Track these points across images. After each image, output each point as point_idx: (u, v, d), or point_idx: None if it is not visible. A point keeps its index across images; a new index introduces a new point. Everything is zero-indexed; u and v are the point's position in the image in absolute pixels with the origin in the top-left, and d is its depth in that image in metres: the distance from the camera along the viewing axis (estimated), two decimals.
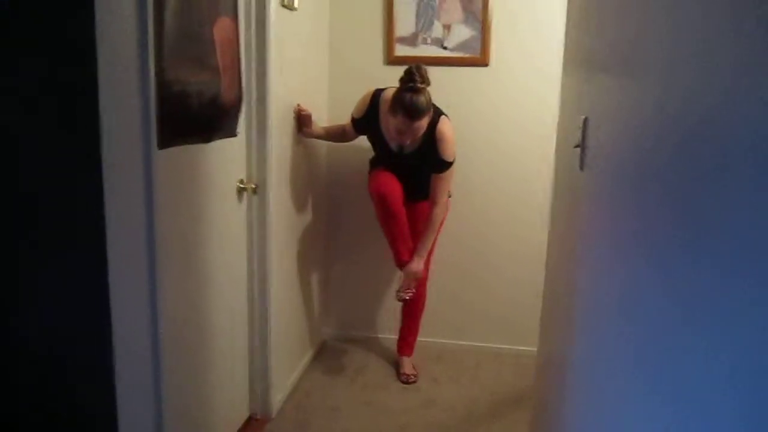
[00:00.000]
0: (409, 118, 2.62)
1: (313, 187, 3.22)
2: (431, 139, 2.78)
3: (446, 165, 2.85)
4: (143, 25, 1.52)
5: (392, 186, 2.86)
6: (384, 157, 2.95)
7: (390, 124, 2.73)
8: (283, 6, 2.54)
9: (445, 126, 2.79)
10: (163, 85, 1.72)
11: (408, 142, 2.74)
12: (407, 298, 2.99)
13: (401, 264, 2.94)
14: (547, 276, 2.08)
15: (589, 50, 1.49)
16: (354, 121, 2.95)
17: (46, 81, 1.38)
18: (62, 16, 1.34)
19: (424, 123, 2.68)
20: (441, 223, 3.04)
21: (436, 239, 3.06)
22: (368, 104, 2.86)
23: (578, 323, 1.39)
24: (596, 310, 1.22)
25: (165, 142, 1.75)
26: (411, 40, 3.24)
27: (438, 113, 2.80)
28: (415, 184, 2.94)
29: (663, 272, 0.81)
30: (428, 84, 2.65)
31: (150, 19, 1.54)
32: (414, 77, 2.62)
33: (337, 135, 3.09)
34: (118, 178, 1.45)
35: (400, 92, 2.65)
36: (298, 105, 2.84)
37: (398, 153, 2.88)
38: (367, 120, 2.89)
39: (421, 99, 2.62)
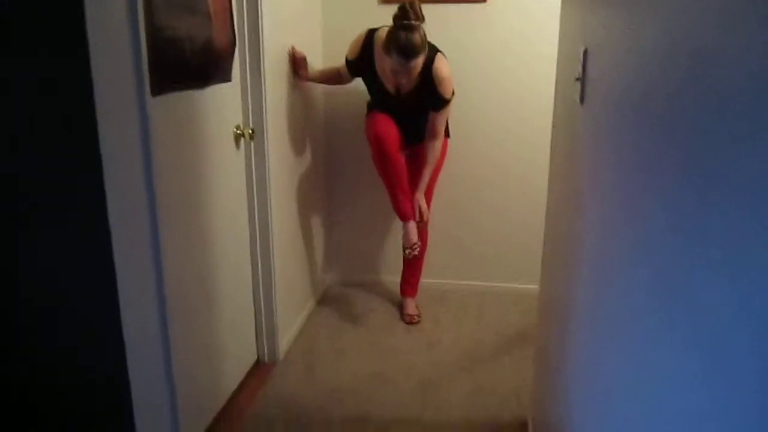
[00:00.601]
0: (404, 58, 2.57)
1: (311, 132, 3.18)
2: (428, 78, 2.74)
3: (445, 102, 2.83)
4: None
5: (389, 129, 2.83)
6: (381, 100, 2.91)
7: (385, 64, 2.68)
8: None
9: (441, 63, 2.74)
10: (153, 31, 1.68)
11: (404, 81, 2.70)
12: (416, 253, 2.99)
13: (403, 215, 2.92)
14: (548, 215, 2.07)
15: None
16: (348, 63, 2.90)
17: (32, 33, 1.34)
18: None
19: (419, 62, 2.63)
20: (440, 164, 3.03)
21: (435, 179, 3.05)
22: (361, 45, 2.80)
23: (581, 261, 1.39)
24: (600, 248, 1.21)
25: (158, 88, 1.72)
26: None
27: (434, 51, 2.75)
28: (413, 126, 2.91)
29: (668, 207, 0.80)
30: (422, 20, 2.59)
31: None
32: (407, 14, 2.56)
33: (333, 78, 3.04)
34: (112, 127, 1.43)
35: (393, 31, 2.59)
36: (292, 47, 2.78)
37: (395, 94, 2.83)
38: (361, 61, 2.84)
39: (416, 37, 2.56)
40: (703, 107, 0.69)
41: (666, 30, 0.84)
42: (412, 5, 2.58)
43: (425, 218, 3.00)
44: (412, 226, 2.93)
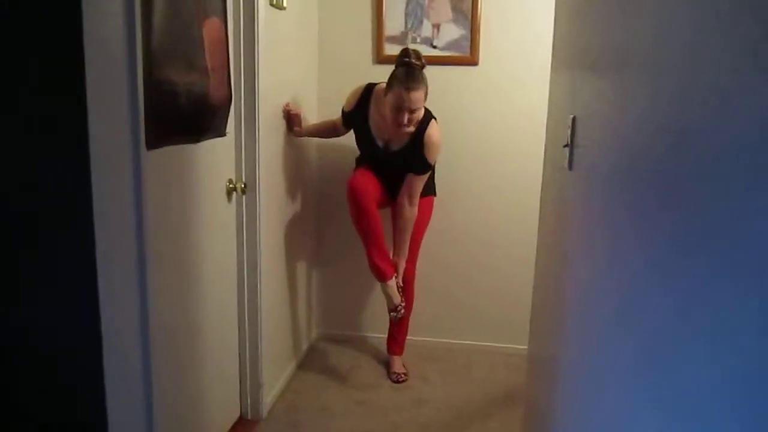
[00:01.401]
0: (405, 89, 2.62)
1: (303, 187, 3.21)
2: (419, 140, 2.79)
3: (428, 167, 2.89)
4: (131, 25, 1.51)
5: (367, 182, 2.86)
6: (369, 155, 2.96)
7: (386, 107, 2.71)
8: (272, 5, 2.54)
9: (434, 130, 2.81)
10: (151, 85, 1.71)
11: (405, 122, 2.68)
12: (400, 315, 2.99)
13: (379, 274, 2.90)
14: (537, 275, 2.08)
15: (578, 49, 1.50)
16: (344, 114, 2.96)
17: (31, 83, 1.37)
18: (49, 16, 1.33)
19: (420, 96, 2.66)
20: (426, 221, 3.05)
21: (421, 236, 3.07)
22: (359, 96, 2.87)
23: (569, 322, 1.40)
24: (587, 310, 1.22)
25: (154, 142, 1.74)
26: (400, 39, 3.24)
27: (429, 116, 2.81)
28: (397, 184, 2.95)
29: (656, 271, 0.81)
30: (423, 65, 2.68)
31: (138, 19, 1.53)
32: (409, 53, 2.67)
33: (327, 130, 3.09)
34: (106, 179, 1.44)
35: (395, 70, 2.69)
36: (287, 105, 2.83)
37: (383, 150, 2.87)
38: (357, 113, 2.89)
39: (416, 72, 2.65)
40: (686, 177, 0.71)
41: (649, 104, 0.87)
42: (414, 50, 2.70)
43: (401, 284, 3.01)
44: (392, 285, 2.93)
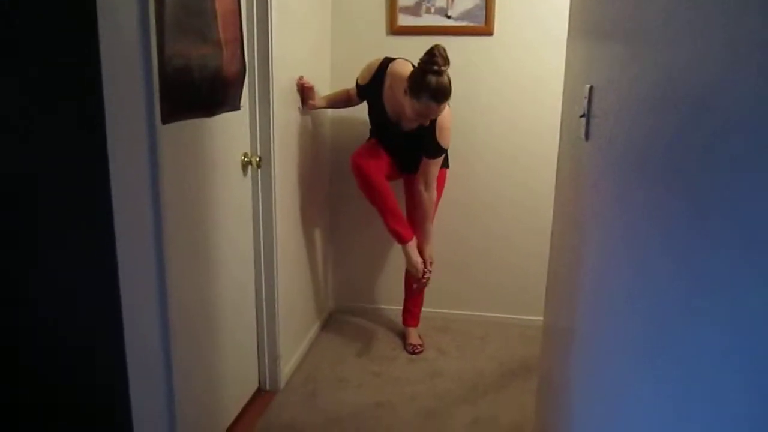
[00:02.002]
0: (435, 102, 2.60)
1: (317, 160, 3.21)
2: (431, 125, 2.78)
3: (441, 151, 2.86)
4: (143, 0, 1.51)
5: (372, 155, 2.87)
6: (381, 129, 2.94)
7: (407, 105, 2.68)
8: None
9: (445, 113, 2.79)
10: (164, 59, 1.71)
11: (427, 123, 2.72)
12: (428, 277, 3.00)
13: (398, 237, 2.92)
14: (552, 246, 2.08)
15: (595, 18, 1.47)
16: (359, 87, 2.95)
17: (46, 59, 1.37)
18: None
19: (446, 105, 2.68)
20: (440, 193, 3.04)
21: (435, 209, 3.06)
22: (374, 72, 2.85)
23: (582, 295, 1.39)
24: (602, 281, 1.22)
25: (168, 117, 1.74)
26: (414, 10, 3.20)
27: None
28: (407, 160, 2.95)
29: (670, 245, 0.80)
30: (448, 65, 2.62)
31: None
32: (436, 59, 2.58)
33: (342, 101, 3.08)
34: (122, 155, 1.44)
35: (421, 74, 2.60)
36: (301, 78, 2.82)
37: (395, 127, 2.86)
38: (371, 87, 2.87)
39: (445, 80, 2.60)
40: (700, 147, 0.70)
41: (666, 72, 0.86)
42: (439, 50, 2.60)
43: (427, 273, 3.01)
44: (413, 246, 2.94)
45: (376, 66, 2.85)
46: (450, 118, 2.81)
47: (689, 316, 0.71)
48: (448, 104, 2.79)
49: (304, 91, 2.86)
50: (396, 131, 2.88)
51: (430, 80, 2.58)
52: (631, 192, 1.02)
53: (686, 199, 0.75)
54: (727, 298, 0.61)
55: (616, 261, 1.10)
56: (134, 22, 1.49)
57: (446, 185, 3.11)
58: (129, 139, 1.48)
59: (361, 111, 3.04)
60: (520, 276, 3.43)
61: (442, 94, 2.60)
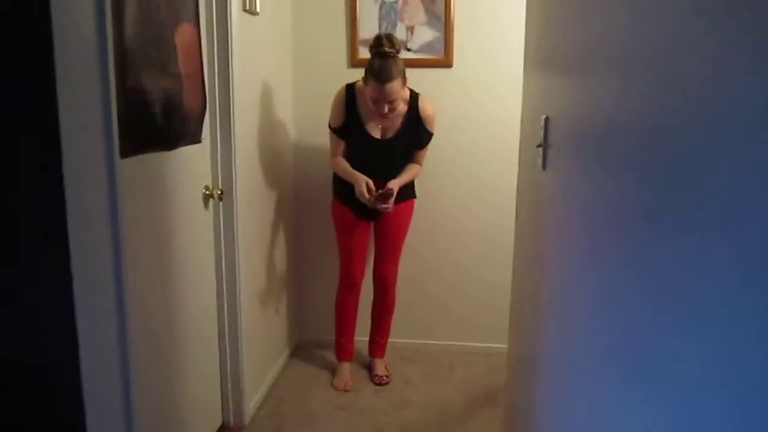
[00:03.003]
0: (379, 82, 2.62)
1: (280, 192, 3.20)
2: (414, 118, 2.83)
3: (431, 136, 2.93)
4: (102, 31, 1.50)
5: (357, 256, 3.06)
6: (365, 149, 2.88)
7: (367, 99, 2.73)
8: (245, 11, 2.53)
9: (426, 103, 2.86)
10: (124, 92, 1.70)
11: (386, 111, 2.70)
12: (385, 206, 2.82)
13: (340, 354, 3.23)
14: (515, 274, 2.10)
15: (550, 50, 1.51)
16: (336, 130, 2.88)
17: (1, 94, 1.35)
18: (16, 20, 1.31)
19: (396, 87, 2.65)
20: (407, 225, 3.07)
21: (403, 241, 3.09)
22: (344, 105, 2.83)
23: (546, 319, 1.41)
24: (564, 307, 1.24)
25: (128, 151, 1.73)
26: None
27: (415, 93, 2.86)
28: (391, 168, 2.93)
29: (631, 262, 0.82)
30: (398, 50, 2.67)
31: (109, 25, 1.52)
32: (382, 42, 2.64)
33: (343, 156, 2.96)
34: (80, 190, 1.42)
35: (369, 60, 2.68)
36: (367, 183, 2.77)
37: (381, 141, 2.87)
38: (348, 119, 2.84)
39: (389, 62, 2.63)
40: (656, 175, 0.72)
41: (620, 102, 0.89)
42: (387, 35, 2.67)
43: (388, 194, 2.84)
44: (346, 368, 3.19)
45: (343, 97, 2.84)
46: (431, 106, 2.89)
47: (654, 328, 0.73)
48: (421, 94, 2.85)
49: (371, 193, 2.78)
50: (383, 145, 2.86)
51: (374, 63, 2.65)
52: (590, 214, 1.05)
53: (644, 222, 0.77)
54: (689, 306, 0.63)
55: (580, 280, 1.12)
56: (93, 52, 1.48)
57: (412, 216, 3.13)
58: (87, 173, 1.47)
59: (322, 141, 3.05)
60: (486, 305, 3.45)
61: (384, 72, 2.61)
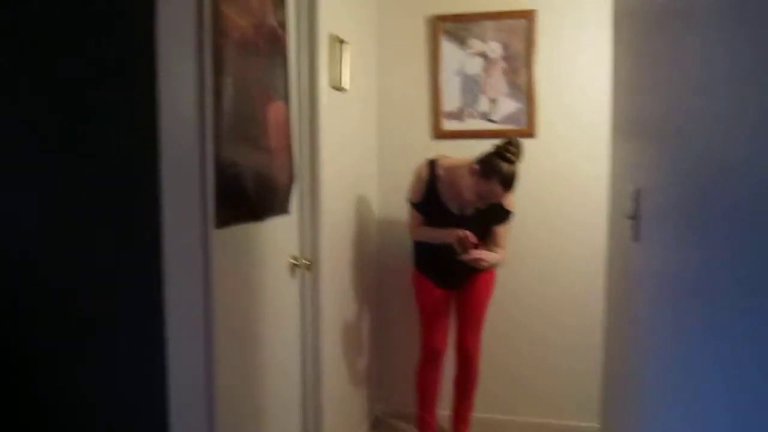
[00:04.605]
0: (502, 188, 2.65)
1: (363, 263, 3.23)
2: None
3: (509, 215, 2.89)
4: (202, 110, 1.59)
5: (443, 339, 3.04)
6: (441, 223, 2.89)
7: (470, 185, 2.71)
8: (333, 87, 2.64)
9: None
10: (219, 167, 1.79)
11: (484, 206, 2.77)
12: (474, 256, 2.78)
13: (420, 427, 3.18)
14: (607, 351, 2.02)
15: (639, 119, 1.49)
16: (416, 205, 2.91)
17: (109, 169, 1.44)
18: (127, 105, 1.41)
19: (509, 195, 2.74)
20: (488, 298, 3.02)
21: (485, 312, 3.03)
22: (426, 180, 2.86)
23: (647, 402, 1.34)
24: (665, 386, 1.17)
25: (221, 222, 1.80)
26: (457, 115, 3.30)
27: None
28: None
29: (731, 348, 0.78)
30: (521, 160, 2.69)
31: (209, 105, 1.62)
32: (512, 148, 2.66)
33: (426, 226, 2.98)
34: (177, 258, 1.49)
35: (496, 158, 2.65)
36: (466, 234, 2.76)
37: (459, 216, 2.87)
38: (429, 196, 2.87)
39: (516, 171, 2.66)
40: (760, 249, 0.69)
41: (717, 173, 0.86)
42: (515, 141, 2.68)
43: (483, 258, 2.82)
44: None
45: (425, 174, 2.87)
46: None
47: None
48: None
49: (467, 244, 2.80)
50: (460, 219, 2.87)
51: (503, 166, 2.63)
52: (687, 292, 1.00)
53: (749, 300, 0.73)
54: None
55: (678, 362, 1.07)
56: (193, 131, 1.57)
57: (494, 291, 3.08)
58: (184, 243, 1.53)
59: (407, 215, 3.07)
60: (571, 380, 3.31)
61: (510, 181, 2.65)
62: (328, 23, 2.57)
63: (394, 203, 3.36)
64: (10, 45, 1.39)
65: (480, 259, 2.76)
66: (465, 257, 2.76)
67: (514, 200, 2.88)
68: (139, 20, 1.35)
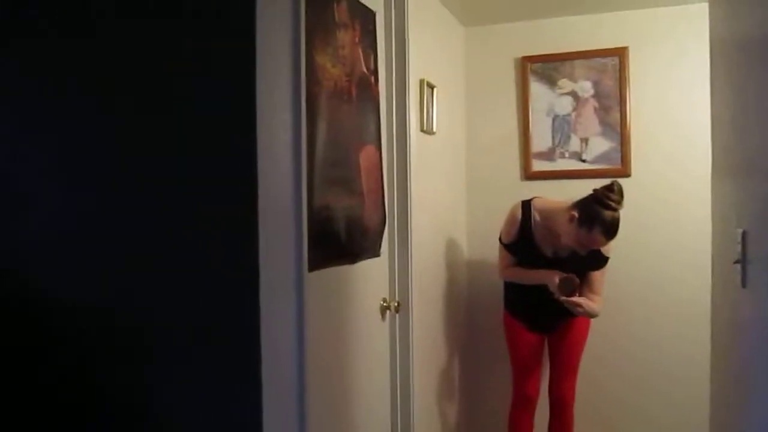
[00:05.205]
0: (605, 237, 2.57)
1: (454, 305, 3.21)
2: None
3: (605, 260, 2.79)
4: (297, 155, 1.65)
5: (536, 385, 2.95)
6: (533, 264, 2.83)
7: (568, 231, 2.63)
8: (423, 131, 2.67)
9: None
10: (312, 211, 1.84)
11: (584, 253, 2.67)
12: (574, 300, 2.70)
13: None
14: (713, 404, 1.90)
15: (743, 157, 1.43)
16: (508, 246, 2.86)
17: (209, 212, 1.51)
18: (226, 151, 1.48)
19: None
20: (583, 342, 2.93)
21: (579, 359, 2.93)
22: (519, 224, 2.80)
23: None
24: None
25: (314, 265, 1.84)
26: (548, 155, 3.27)
27: None
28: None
29: None
30: (623, 206, 2.60)
31: (303, 150, 1.67)
32: (614, 196, 2.57)
33: (518, 268, 2.93)
34: (272, 301, 1.53)
35: (598, 205, 2.56)
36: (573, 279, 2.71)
37: (552, 259, 2.80)
38: (522, 238, 2.81)
39: (618, 219, 2.57)
40: None
41: None
42: (618, 186, 2.60)
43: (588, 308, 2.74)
44: None
45: (519, 215, 2.81)
46: None
47: None
48: None
49: (573, 285, 2.72)
50: (553, 261, 2.80)
51: (606, 214, 2.54)
52: None
53: None
54: None
55: None
56: (288, 177, 1.63)
57: (589, 336, 2.98)
58: (279, 286, 1.57)
59: (493, 251, 3.02)
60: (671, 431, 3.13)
61: (614, 230, 2.56)
62: (417, 68, 2.62)
63: (484, 244, 3.33)
64: (110, 104, 1.48)
65: (578, 305, 2.68)
66: (566, 301, 2.68)
67: (611, 245, 2.78)
68: (238, 71, 1.42)
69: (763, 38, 1.24)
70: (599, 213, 2.54)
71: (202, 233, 1.52)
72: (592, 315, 2.80)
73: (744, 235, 1.34)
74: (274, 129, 1.55)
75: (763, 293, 1.19)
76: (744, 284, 1.35)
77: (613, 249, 2.79)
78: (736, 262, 1.38)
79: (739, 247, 1.36)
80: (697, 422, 2.84)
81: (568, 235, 2.64)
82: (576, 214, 2.59)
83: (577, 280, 2.67)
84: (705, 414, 2.09)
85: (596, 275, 2.81)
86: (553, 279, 2.68)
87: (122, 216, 1.51)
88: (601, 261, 2.78)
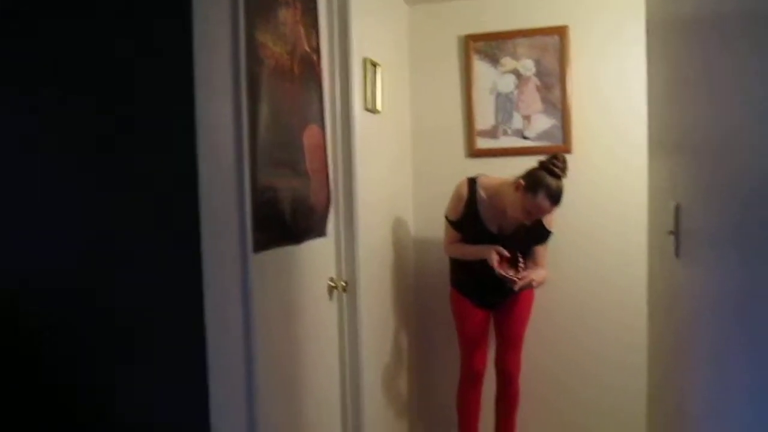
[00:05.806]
0: (550, 202, 2.62)
1: (401, 283, 3.23)
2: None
3: (548, 234, 2.87)
4: (239, 136, 1.62)
5: (483, 360, 3.02)
6: (477, 242, 2.86)
7: (515, 201, 2.67)
8: (367, 110, 2.66)
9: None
10: (257, 192, 1.81)
11: (529, 222, 2.73)
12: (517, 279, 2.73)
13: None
14: (650, 368, 1.97)
15: (677, 134, 1.47)
16: (452, 223, 2.90)
17: (149, 195, 1.48)
18: (166, 133, 1.45)
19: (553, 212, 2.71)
20: (528, 316, 2.99)
21: (524, 331, 2.99)
22: (466, 200, 2.84)
23: (690, 424, 1.31)
24: (706, 409, 1.14)
25: (259, 245, 1.82)
26: (492, 133, 3.30)
27: None
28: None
29: None
30: (566, 176, 2.67)
31: (245, 132, 1.65)
32: (558, 163, 2.64)
33: (461, 244, 2.97)
34: (217, 282, 1.51)
35: (544, 172, 2.63)
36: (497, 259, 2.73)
37: (497, 236, 2.84)
38: (467, 215, 2.85)
39: (563, 186, 2.64)
40: None
41: (759, 187, 0.84)
42: (562, 157, 2.67)
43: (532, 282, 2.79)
44: None
45: (465, 192, 2.84)
46: None
47: None
48: None
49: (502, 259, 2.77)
50: (499, 238, 2.83)
51: (551, 181, 2.61)
52: (731, 310, 0.98)
53: None
54: None
55: (727, 383, 1.04)
56: (231, 158, 1.60)
57: (533, 304, 3.05)
58: (224, 267, 1.56)
59: (439, 229, 3.05)
60: (613, 396, 3.23)
61: (558, 196, 2.62)
62: (361, 46, 2.60)
63: (430, 223, 3.36)
64: (55, 93, 1.43)
65: (518, 280, 2.72)
66: (502, 275, 2.72)
67: (553, 219, 2.85)
68: (176, 50, 1.39)
69: (697, 17, 1.27)
70: (544, 178, 2.61)
71: (143, 215, 1.49)
72: (540, 283, 2.84)
73: (677, 207, 1.39)
74: (214, 109, 1.52)
75: (694, 263, 1.24)
76: (678, 254, 1.40)
77: (555, 223, 2.85)
78: (670, 233, 1.43)
79: (673, 219, 1.41)
80: (638, 387, 2.95)
81: (513, 205, 2.68)
82: (522, 182, 2.65)
83: (521, 262, 2.72)
84: (645, 378, 2.17)
85: (540, 249, 2.89)
86: (491, 253, 2.72)
87: (60, 208, 1.47)
88: (544, 235, 2.85)
